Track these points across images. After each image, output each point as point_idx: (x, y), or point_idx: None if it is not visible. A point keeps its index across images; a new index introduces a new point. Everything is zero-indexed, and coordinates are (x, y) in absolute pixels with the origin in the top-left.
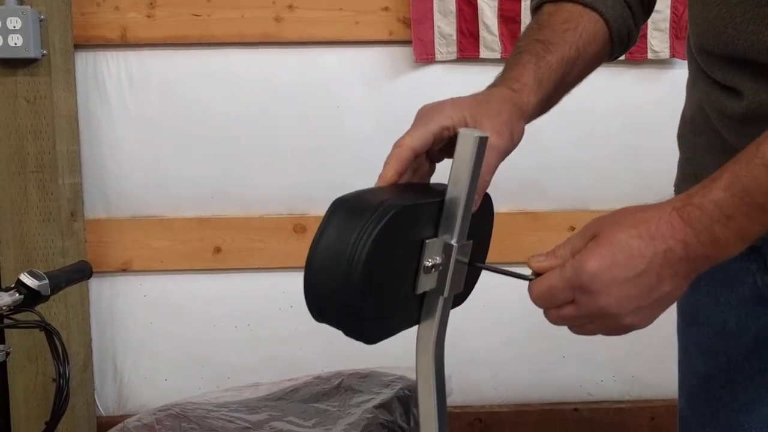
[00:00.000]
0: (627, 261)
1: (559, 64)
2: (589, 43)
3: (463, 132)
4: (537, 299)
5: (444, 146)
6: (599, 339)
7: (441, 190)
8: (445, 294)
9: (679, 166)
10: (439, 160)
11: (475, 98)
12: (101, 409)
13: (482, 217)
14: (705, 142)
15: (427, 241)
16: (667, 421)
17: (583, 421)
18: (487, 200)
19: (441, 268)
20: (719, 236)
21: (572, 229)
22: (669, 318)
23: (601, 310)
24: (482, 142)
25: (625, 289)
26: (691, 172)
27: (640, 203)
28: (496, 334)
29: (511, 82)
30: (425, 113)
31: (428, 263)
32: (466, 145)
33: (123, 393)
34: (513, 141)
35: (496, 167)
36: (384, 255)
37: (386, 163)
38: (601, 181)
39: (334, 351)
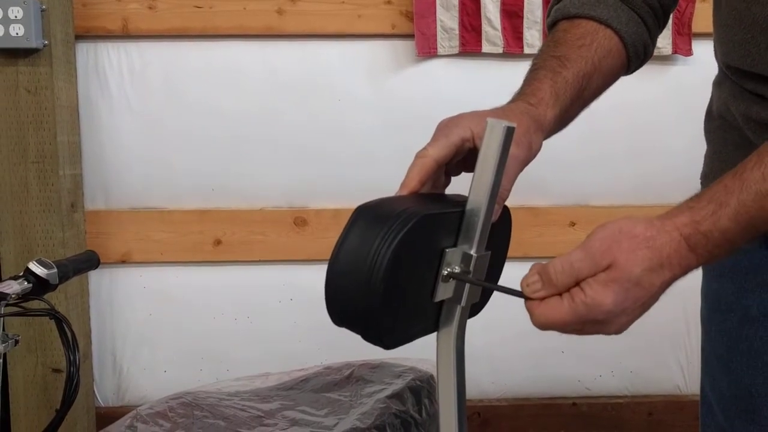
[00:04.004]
0: (638, 293)
1: (575, 79)
2: (604, 59)
3: (491, 121)
4: (543, 328)
5: (462, 159)
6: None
7: (461, 201)
8: (463, 303)
9: (706, 158)
10: (457, 173)
11: (494, 111)
12: (100, 400)
13: (501, 229)
14: (737, 138)
15: (446, 250)
16: (664, 416)
17: (581, 415)
18: (506, 213)
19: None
20: (717, 256)
21: (572, 224)
22: (667, 315)
23: (600, 330)
24: (509, 131)
25: (631, 315)
26: (720, 166)
27: (641, 200)
28: (496, 329)
29: (528, 97)
30: (445, 125)
31: (447, 272)
32: (493, 134)
33: (122, 384)
34: (532, 151)
35: (516, 177)
36: (405, 262)
37: (409, 171)
38: (602, 178)
39: (334, 343)
